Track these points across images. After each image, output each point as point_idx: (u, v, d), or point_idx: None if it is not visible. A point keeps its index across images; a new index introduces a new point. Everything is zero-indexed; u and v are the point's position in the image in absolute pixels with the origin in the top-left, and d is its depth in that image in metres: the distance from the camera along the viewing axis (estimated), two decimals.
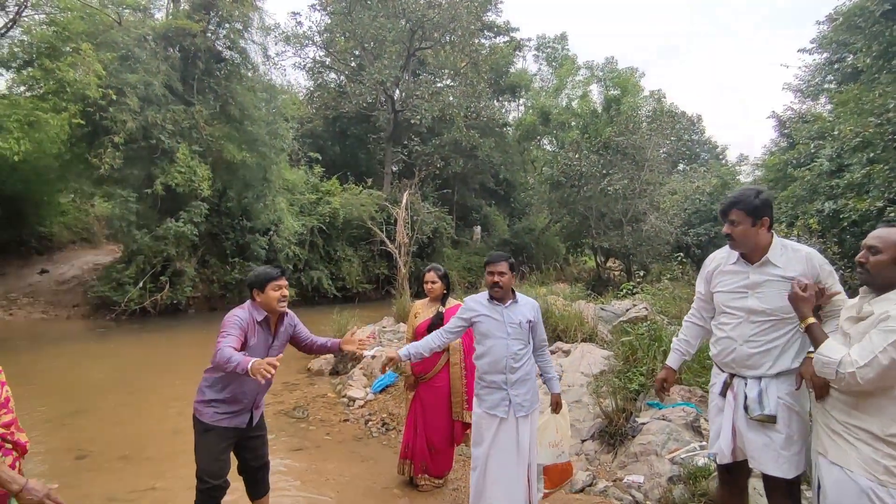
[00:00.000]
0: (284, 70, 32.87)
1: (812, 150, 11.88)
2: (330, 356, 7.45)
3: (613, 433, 4.16)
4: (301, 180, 17.52)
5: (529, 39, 32.17)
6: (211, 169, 13.29)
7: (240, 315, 2.66)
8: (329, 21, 22.74)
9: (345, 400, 5.97)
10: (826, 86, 16.58)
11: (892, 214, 7.81)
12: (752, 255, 2.24)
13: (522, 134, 28.12)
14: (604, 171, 19.55)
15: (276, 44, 21.24)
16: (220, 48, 14.47)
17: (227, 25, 14.41)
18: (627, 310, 8.79)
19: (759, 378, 2.17)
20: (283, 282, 2.77)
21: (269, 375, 2.25)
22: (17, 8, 11.55)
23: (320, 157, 19.40)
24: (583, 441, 4.32)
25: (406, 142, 22.74)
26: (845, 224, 9.10)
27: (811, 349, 2.00)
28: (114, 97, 11.18)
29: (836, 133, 10.49)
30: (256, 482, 2.93)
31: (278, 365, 2.30)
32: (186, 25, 12.97)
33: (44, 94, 10.62)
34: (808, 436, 2.12)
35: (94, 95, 10.64)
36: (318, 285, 16.26)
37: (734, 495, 2.38)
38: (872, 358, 1.75)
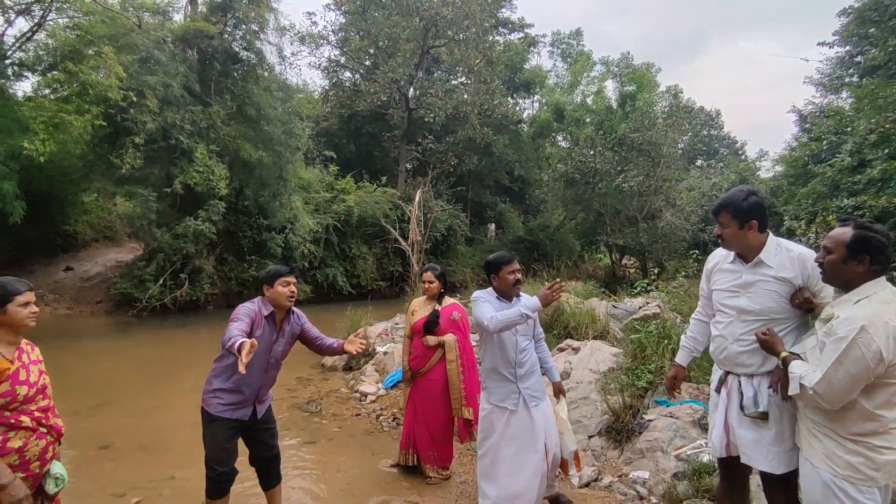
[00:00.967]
0: (300, 70, 33.38)
1: (825, 147, 11.65)
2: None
3: (620, 430, 4.20)
4: (316, 179, 17.75)
5: (544, 35, 32.03)
6: (228, 168, 13.56)
7: (249, 306, 2.82)
8: (344, 20, 22.91)
9: (357, 395, 6.09)
10: (848, 80, 16.21)
11: None
12: (747, 254, 2.27)
13: (537, 131, 28.00)
14: (619, 168, 19.39)
15: (291, 44, 21.50)
16: (237, 49, 14.73)
17: (243, 27, 14.66)
18: (640, 307, 8.76)
19: (752, 376, 2.20)
20: (292, 278, 2.89)
21: (245, 356, 2.26)
22: (42, 12, 11.91)
23: (335, 156, 19.62)
24: (590, 437, 4.35)
25: (420, 139, 22.84)
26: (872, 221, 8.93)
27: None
28: (134, 99, 11.47)
29: (855, 128, 10.29)
30: (267, 472, 3.05)
31: (254, 345, 2.33)
32: (204, 27, 13.23)
33: (67, 96, 10.95)
34: None
35: (116, 97, 10.93)
36: (333, 282, 16.46)
37: (734, 490, 2.41)
38: (824, 373, 1.77)
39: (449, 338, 3.79)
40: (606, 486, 3.61)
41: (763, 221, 2.22)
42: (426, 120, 20.78)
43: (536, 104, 32.24)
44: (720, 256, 2.43)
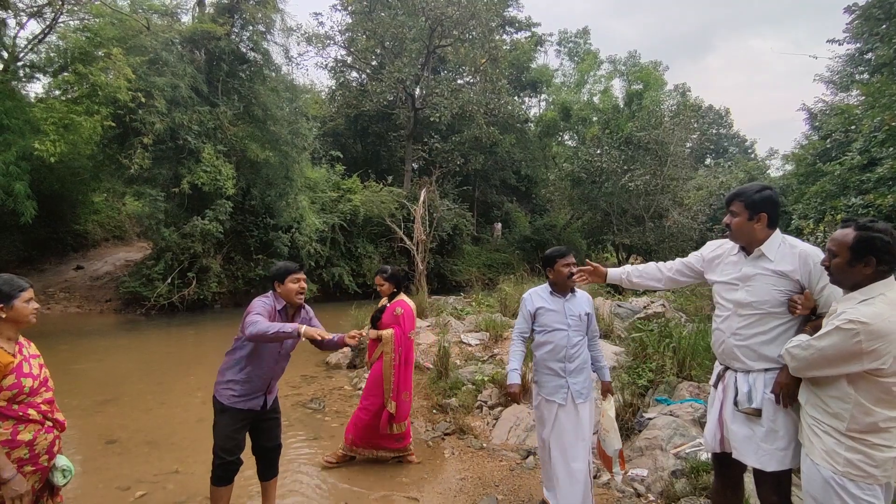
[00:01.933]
0: (307, 70, 33.51)
1: (828, 146, 11.53)
2: (347, 350, 7.64)
3: (620, 428, 4.19)
4: (322, 178, 17.84)
5: (551, 34, 31.96)
6: (235, 168, 13.68)
7: (265, 300, 2.91)
8: (350, 21, 23.00)
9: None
10: (858, 77, 16.02)
11: None
12: (750, 248, 2.28)
13: (543, 130, 27.92)
14: (625, 167, 19.33)
15: (298, 44, 21.61)
16: (244, 50, 14.84)
17: (250, 28, 14.77)
18: (644, 306, 8.75)
19: (748, 372, 2.21)
20: (302, 275, 3.00)
21: (318, 337, 2.61)
22: (53, 15, 12.08)
23: (342, 155, 19.70)
24: None
25: (426, 139, 22.87)
26: (879, 220, 8.82)
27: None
28: (143, 100, 11.59)
29: (861, 126, 10.19)
30: (268, 462, 3.12)
31: (326, 335, 2.67)
32: (211, 29, 13.35)
33: (77, 97, 11.08)
34: (796, 432, 2.13)
35: (125, 98, 11.05)
36: (340, 281, 16.55)
37: (727, 487, 2.41)
38: (802, 341, 1.89)
39: (387, 332, 3.98)
40: (605, 483, 3.63)
41: (773, 216, 2.23)
42: (432, 119, 20.81)
43: (543, 103, 32.16)
44: (727, 248, 2.42)
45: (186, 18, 14.95)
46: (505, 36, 28.70)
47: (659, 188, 19.09)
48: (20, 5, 11.81)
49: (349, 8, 22.83)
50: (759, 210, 2.20)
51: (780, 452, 2.08)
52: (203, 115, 13.16)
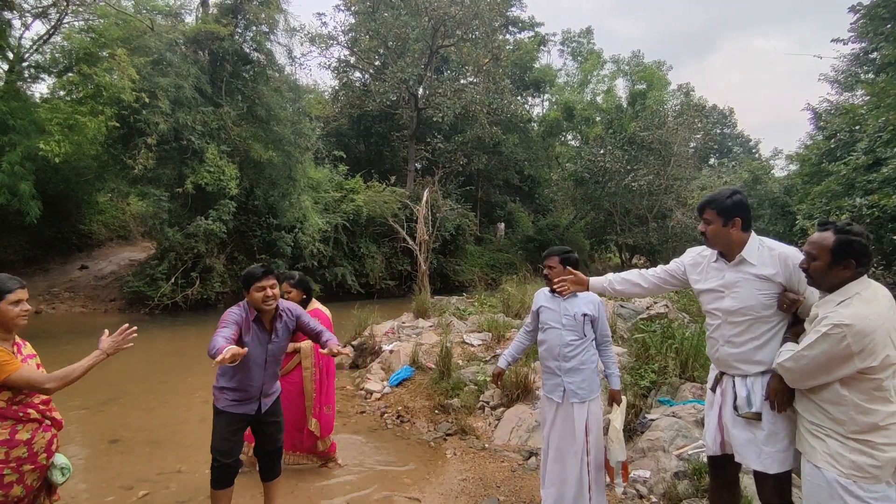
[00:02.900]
0: (310, 70, 33.57)
1: (832, 145, 11.46)
2: (349, 350, 7.65)
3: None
4: (326, 178, 17.88)
5: (554, 34, 31.95)
6: (238, 168, 13.71)
7: (235, 311, 2.80)
8: (353, 21, 23.04)
9: (362, 392, 6.14)
10: (863, 77, 15.93)
11: None
12: (729, 253, 2.29)
13: (546, 130, 27.91)
14: (628, 167, 19.30)
15: (301, 44, 21.67)
16: (248, 50, 14.89)
17: (253, 28, 14.81)
18: (647, 307, 8.71)
19: (745, 377, 2.21)
20: (268, 281, 2.78)
21: (228, 361, 2.32)
22: (58, 16, 12.15)
23: (345, 156, 19.73)
24: None
25: (429, 139, 22.88)
26: (884, 221, 8.77)
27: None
28: (147, 100, 11.64)
29: (865, 126, 10.13)
30: (270, 464, 3.12)
31: (241, 353, 2.38)
32: (215, 29, 13.39)
33: (82, 98, 11.13)
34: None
35: (129, 99, 11.10)
36: (343, 281, 16.58)
37: (722, 488, 2.42)
38: (794, 353, 1.89)
39: (305, 345, 3.77)
40: (606, 484, 3.60)
41: (747, 220, 2.25)
42: (435, 119, 20.83)
43: (546, 103, 32.15)
44: (707, 255, 2.43)
45: (190, 19, 15.03)
46: (508, 36, 28.69)
47: (662, 188, 19.06)
48: (25, 6, 11.90)
49: (352, 8, 22.87)
50: (732, 215, 2.22)
51: (781, 454, 2.09)
52: (207, 115, 13.20)
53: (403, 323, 8.87)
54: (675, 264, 2.58)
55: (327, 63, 23.93)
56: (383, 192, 18.43)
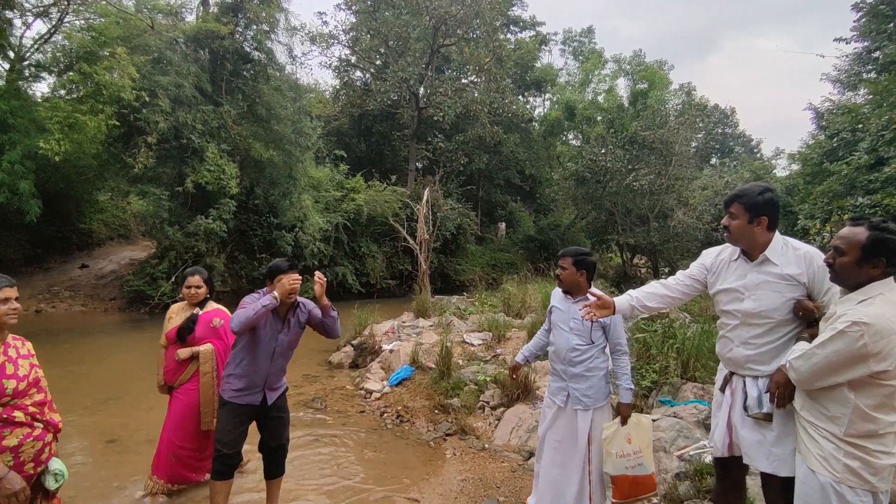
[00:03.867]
0: (311, 69, 33.32)
1: (835, 145, 11.41)
2: (349, 350, 7.64)
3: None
4: (326, 177, 17.85)
5: (556, 34, 31.89)
6: (239, 167, 13.69)
7: (255, 296, 2.89)
8: (354, 20, 23.02)
9: (362, 392, 6.12)
10: (865, 76, 15.87)
11: None
12: (752, 252, 2.21)
13: (547, 129, 27.87)
14: (630, 167, 19.23)
15: (302, 43, 21.67)
16: (248, 49, 14.85)
17: (254, 27, 14.78)
18: None
19: (758, 378, 2.16)
20: (293, 274, 2.89)
21: (291, 289, 2.82)
22: (59, 15, 12.13)
23: (345, 155, 19.71)
24: None
25: (430, 138, 22.86)
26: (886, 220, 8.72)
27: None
28: (147, 99, 11.61)
29: (868, 125, 10.09)
30: (273, 462, 3.12)
31: (298, 281, 2.85)
32: (215, 28, 13.36)
33: (82, 96, 11.12)
34: None
35: (129, 98, 11.08)
36: (343, 281, 16.55)
37: (730, 490, 2.38)
38: (805, 351, 1.81)
39: (204, 348, 3.45)
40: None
41: (774, 219, 2.16)
42: (436, 119, 20.80)
43: (547, 102, 32.11)
44: (727, 254, 2.34)
45: (191, 18, 15.00)
46: (509, 35, 28.66)
47: (664, 188, 18.98)
48: (26, 5, 11.87)
49: (353, 7, 22.84)
50: (760, 213, 2.13)
51: (791, 456, 2.04)
52: (207, 114, 13.18)
53: (404, 322, 8.86)
54: (695, 268, 2.44)
55: (328, 62, 23.99)
56: (384, 192, 18.39)
